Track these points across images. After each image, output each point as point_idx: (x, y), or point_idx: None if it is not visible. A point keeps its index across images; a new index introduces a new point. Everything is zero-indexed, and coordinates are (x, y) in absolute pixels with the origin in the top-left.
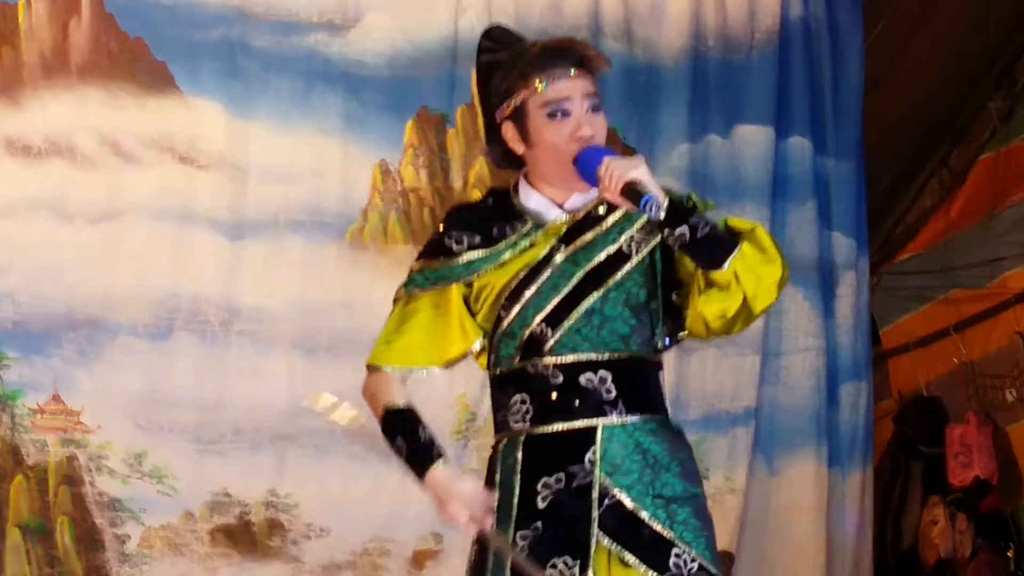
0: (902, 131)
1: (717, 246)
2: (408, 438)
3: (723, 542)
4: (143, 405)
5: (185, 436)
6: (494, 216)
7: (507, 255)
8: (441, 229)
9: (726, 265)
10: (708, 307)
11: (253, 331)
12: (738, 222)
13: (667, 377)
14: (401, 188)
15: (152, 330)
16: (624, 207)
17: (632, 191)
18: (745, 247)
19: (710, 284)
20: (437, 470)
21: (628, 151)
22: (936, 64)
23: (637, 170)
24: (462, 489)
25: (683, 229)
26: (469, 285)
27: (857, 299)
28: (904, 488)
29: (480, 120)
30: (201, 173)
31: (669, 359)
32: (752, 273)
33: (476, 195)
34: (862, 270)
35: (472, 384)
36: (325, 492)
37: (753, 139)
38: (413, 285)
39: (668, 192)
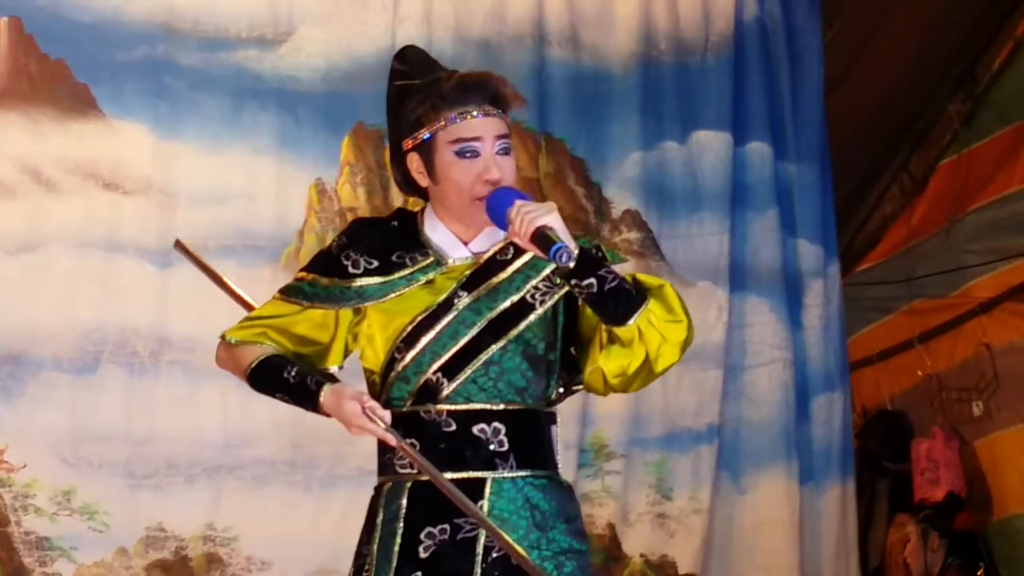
0: (860, 136)
1: (623, 301)
2: (283, 388)
3: (689, 564)
4: (70, 441)
5: (116, 471)
6: (398, 241)
7: (402, 287)
8: (339, 244)
9: (631, 321)
10: (608, 363)
11: (184, 361)
12: (646, 279)
13: (625, 396)
14: (339, 207)
15: (77, 363)
16: (533, 252)
17: (542, 237)
18: (652, 304)
19: (612, 340)
20: (324, 400)
21: (543, 193)
22: (894, 66)
23: (549, 216)
24: (351, 410)
25: (591, 280)
26: (357, 311)
27: (826, 308)
28: (870, 505)
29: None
30: (127, 199)
31: None
32: (656, 331)
33: None
34: (831, 277)
35: None
36: (265, 524)
37: (710, 145)
38: (299, 295)
39: (577, 241)
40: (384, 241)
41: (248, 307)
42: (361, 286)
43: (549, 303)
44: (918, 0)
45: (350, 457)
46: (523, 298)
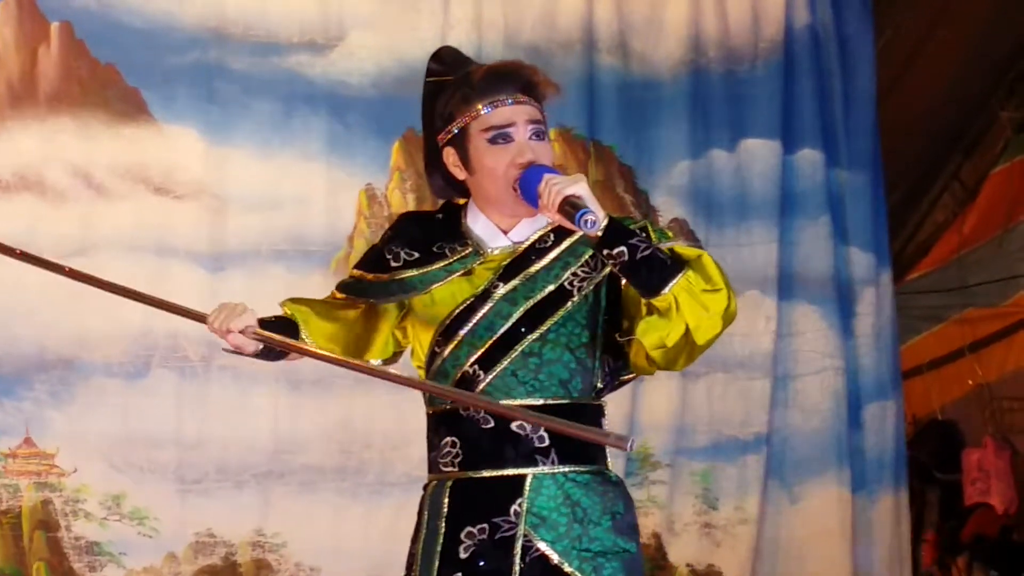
0: (912, 143)
1: (657, 270)
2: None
3: (735, 574)
4: (120, 446)
5: (166, 476)
6: (440, 232)
7: (441, 277)
8: (385, 239)
9: (666, 290)
10: (647, 336)
11: (235, 365)
12: (685, 249)
13: (672, 403)
14: (388, 213)
15: (128, 368)
16: (562, 223)
17: (569, 206)
18: (689, 274)
19: (651, 311)
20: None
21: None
22: (946, 73)
23: (576, 185)
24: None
25: (622, 248)
26: (402, 306)
27: (878, 316)
28: (920, 515)
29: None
30: (178, 204)
31: (673, 385)
32: (695, 301)
33: None
34: (883, 285)
35: None
36: (314, 530)
37: (760, 153)
38: (350, 291)
39: (623, 221)
40: (427, 233)
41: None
42: (402, 279)
43: (588, 289)
44: (970, 6)
45: (399, 464)
46: (561, 286)
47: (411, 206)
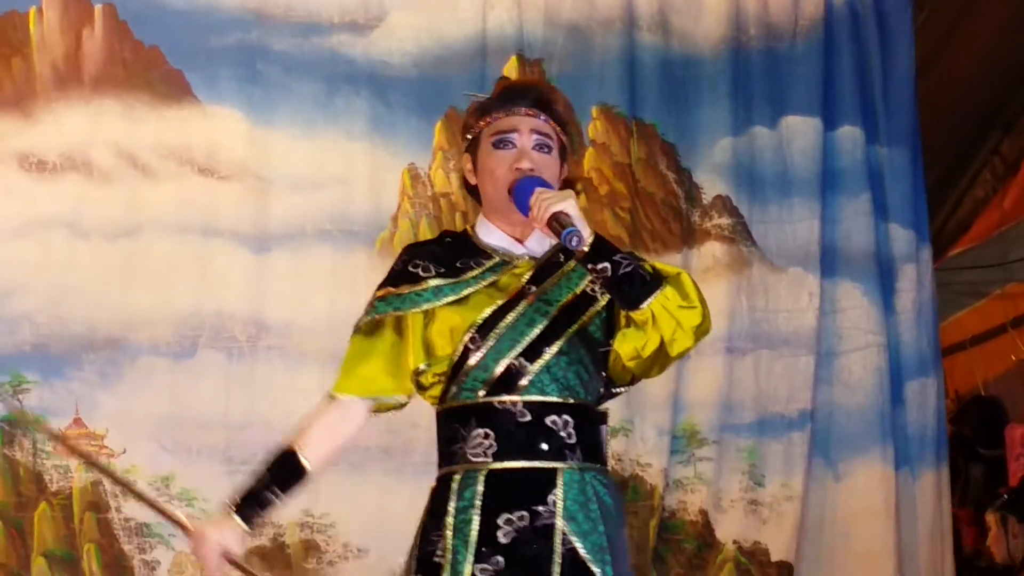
0: (951, 120)
1: (637, 285)
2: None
3: (781, 551)
4: (169, 426)
5: (214, 457)
6: (455, 252)
7: (474, 285)
8: (403, 260)
9: (644, 304)
10: (624, 345)
11: (282, 346)
12: (665, 267)
13: (718, 380)
14: (432, 192)
15: (176, 348)
16: (549, 236)
17: (557, 223)
18: (667, 290)
19: (629, 324)
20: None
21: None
22: (985, 49)
23: (564, 203)
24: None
25: (605, 264)
26: (426, 315)
27: (919, 293)
28: (964, 491)
29: None
30: (222, 184)
31: (719, 362)
32: (670, 316)
33: None
34: (924, 261)
35: None
36: (362, 511)
37: (800, 130)
38: (375, 312)
39: (600, 235)
40: (444, 252)
41: None
42: (436, 286)
43: (605, 297)
44: None
45: None
46: (584, 291)
47: (454, 185)
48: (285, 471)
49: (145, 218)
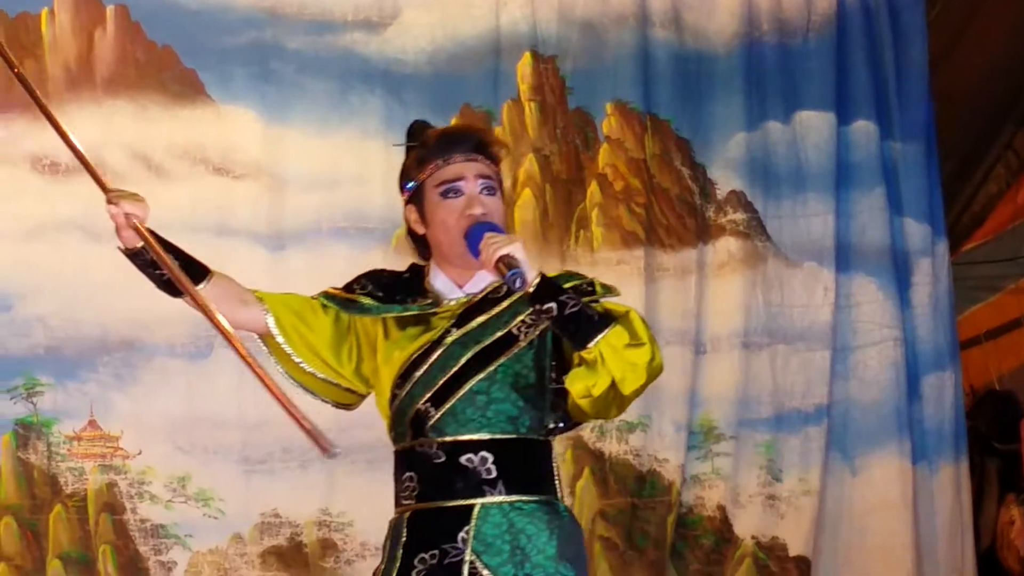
0: (964, 115)
1: (585, 325)
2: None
3: (799, 546)
4: (184, 427)
5: (230, 457)
6: (405, 287)
7: (397, 310)
8: (354, 279)
9: (592, 344)
10: (574, 384)
11: None
12: (614, 306)
13: (735, 375)
14: None
15: (191, 349)
16: (497, 278)
17: (504, 265)
18: (615, 329)
19: (581, 362)
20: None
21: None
22: (998, 44)
23: (511, 247)
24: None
25: (551, 305)
26: (359, 351)
27: (935, 287)
28: (980, 486)
29: (530, 116)
30: (237, 184)
31: (736, 357)
32: (619, 355)
33: (527, 194)
34: (939, 255)
35: None
36: (380, 509)
37: (814, 125)
38: (322, 298)
39: (550, 275)
40: (394, 284)
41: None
42: (361, 303)
43: (534, 335)
44: None
45: None
46: (509, 331)
47: None
48: (194, 263)
49: (159, 219)
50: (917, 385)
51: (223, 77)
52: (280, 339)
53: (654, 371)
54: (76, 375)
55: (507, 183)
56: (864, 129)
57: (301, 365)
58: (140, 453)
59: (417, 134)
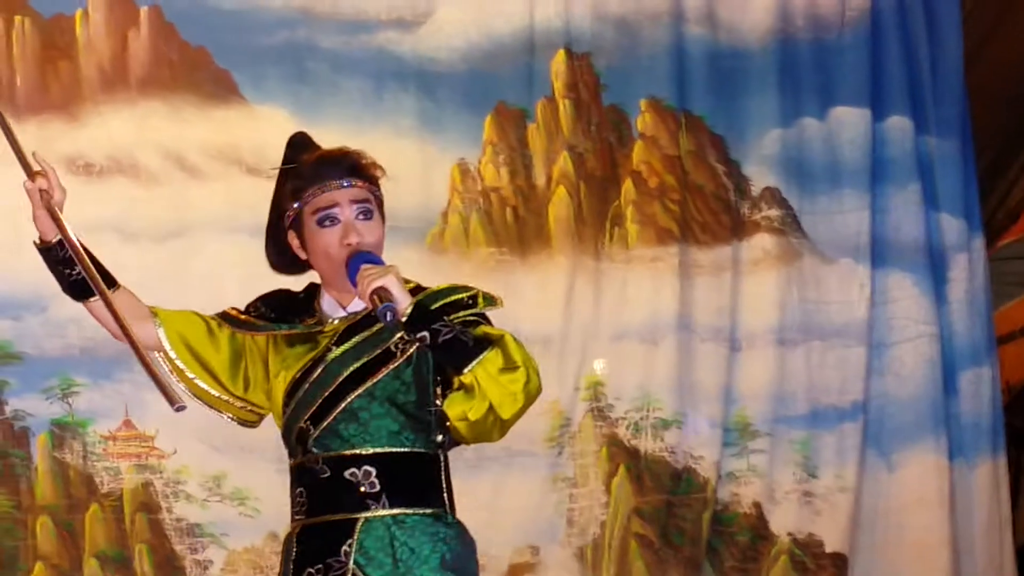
0: (999, 110)
1: (459, 352)
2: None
3: (836, 542)
4: (219, 425)
5: (265, 455)
6: (297, 308)
7: (283, 328)
8: (255, 299)
9: (466, 370)
10: (451, 408)
11: None
12: (490, 330)
13: (770, 372)
14: (482, 188)
15: None
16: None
17: (377, 297)
18: (489, 355)
19: (460, 387)
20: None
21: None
22: None
23: (384, 279)
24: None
25: (424, 333)
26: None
27: (971, 282)
28: (1015, 482)
29: (564, 114)
30: (270, 184)
31: (771, 354)
32: (494, 380)
33: (561, 192)
34: (976, 250)
35: (565, 389)
36: None
37: (849, 121)
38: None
39: (434, 289)
40: (288, 305)
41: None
42: (250, 321)
43: (411, 351)
44: None
45: None
46: (387, 348)
47: (504, 180)
48: (102, 270)
49: (193, 219)
50: (954, 381)
51: (256, 77)
52: (172, 354)
53: (531, 394)
54: (111, 375)
55: (541, 181)
56: (899, 125)
57: (195, 381)
58: (175, 452)
59: (296, 147)
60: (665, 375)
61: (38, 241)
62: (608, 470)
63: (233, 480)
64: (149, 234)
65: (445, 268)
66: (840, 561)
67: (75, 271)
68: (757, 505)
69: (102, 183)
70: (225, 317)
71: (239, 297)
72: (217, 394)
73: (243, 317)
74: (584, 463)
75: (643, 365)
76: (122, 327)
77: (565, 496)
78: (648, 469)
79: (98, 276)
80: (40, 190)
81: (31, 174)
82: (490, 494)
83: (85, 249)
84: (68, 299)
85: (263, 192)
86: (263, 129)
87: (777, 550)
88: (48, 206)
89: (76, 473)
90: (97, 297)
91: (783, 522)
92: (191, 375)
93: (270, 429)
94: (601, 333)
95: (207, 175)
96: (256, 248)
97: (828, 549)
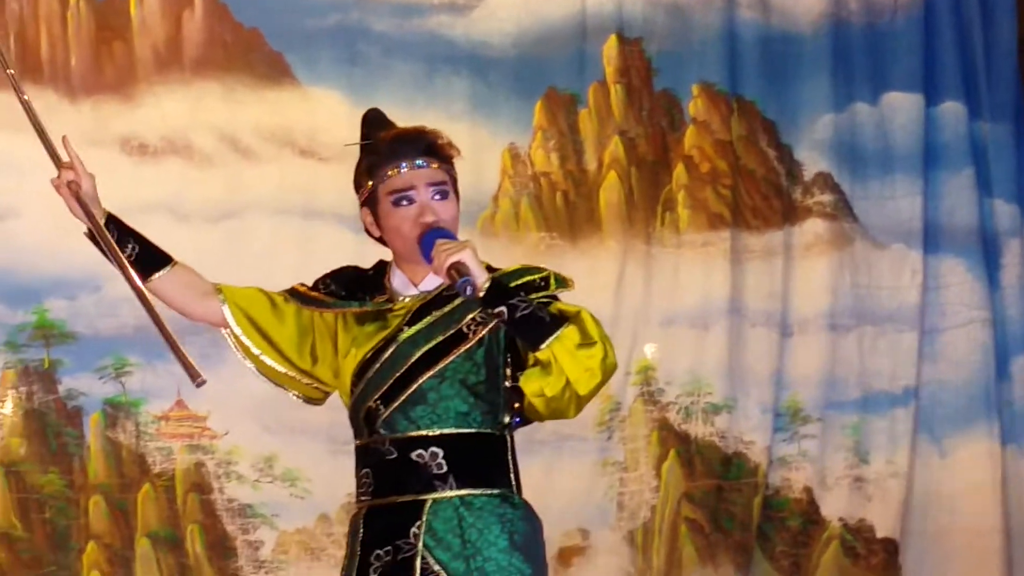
0: None
1: (536, 327)
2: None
3: (887, 528)
4: (271, 407)
5: (317, 437)
6: (366, 285)
7: (354, 306)
8: (324, 275)
9: (544, 345)
10: (528, 385)
11: None
12: (566, 307)
13: (822, 358)
14: (532, 172)
15: None
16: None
17: (455, 271)
18: (566, 330)
19: (535, 363)
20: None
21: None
22: None
23: (462, 253)
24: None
25: (502, 308)
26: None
27: None
28: None
29: (616, 99)
30: (323, 166)
31: (823, 339)
32: (571, 356)
33: (612, 177)
34: None
35: (616, 374)
36: None
37: (902, 106)
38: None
39: (507, 269)
40: (357, 282)
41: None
42: (320, 299)
43: (483, 332)
44: None
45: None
46: (459, 329)
47: (555, 165)
48: (154, 251)
49: (246, 200)
50: (1006, 366)
51: (309, 59)
52: (237, 330)
53: (608, 369)
54: (164, 355)
55: (592, 166)
56: (952, 110)
57: (261, 357)
58: (227, 433)
59: (372, 124)
60: (716, 360)
61: (85, 231)
62: (658, 454)
63: (284, 461)
64: (202, 215)
65: (496, 252)
66: (891, 547)
67: (127, 252)
68: (808, 490)
69: (156, 164)
70: (293, 294)
71: (291, 278)
72: (284, 370)
73: (312, 294)
74: (634, 447)
75: (694, 350)
76: (144, 303)
77: (615, 480)
78: (699, 454)
79: (126, 262)
80: (68, 182)
81: (59, 165)
82: (540, 478)
83: (136, 233)
84: (122, 279)
85: (315, 174)
86: (316, 111)
87: (828, 535)
88: (77, 196)
89: (128, 453)
90: (158, 275)
91: (834, 507)
92: (257, 351)
93: (320, 411)
94: (652, 318)
95: (260, 156)
96: (308, 229)
97: (879, 535)
